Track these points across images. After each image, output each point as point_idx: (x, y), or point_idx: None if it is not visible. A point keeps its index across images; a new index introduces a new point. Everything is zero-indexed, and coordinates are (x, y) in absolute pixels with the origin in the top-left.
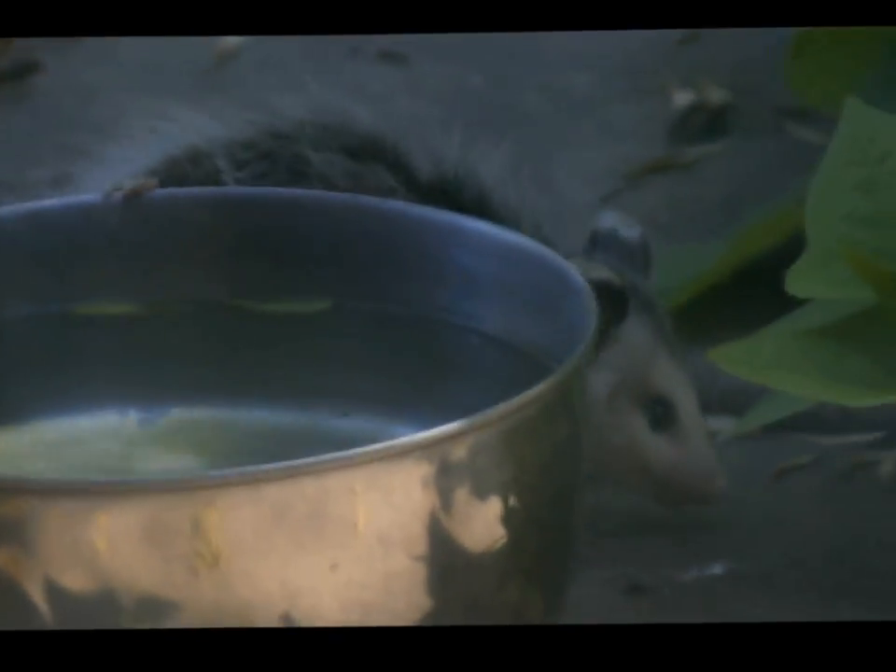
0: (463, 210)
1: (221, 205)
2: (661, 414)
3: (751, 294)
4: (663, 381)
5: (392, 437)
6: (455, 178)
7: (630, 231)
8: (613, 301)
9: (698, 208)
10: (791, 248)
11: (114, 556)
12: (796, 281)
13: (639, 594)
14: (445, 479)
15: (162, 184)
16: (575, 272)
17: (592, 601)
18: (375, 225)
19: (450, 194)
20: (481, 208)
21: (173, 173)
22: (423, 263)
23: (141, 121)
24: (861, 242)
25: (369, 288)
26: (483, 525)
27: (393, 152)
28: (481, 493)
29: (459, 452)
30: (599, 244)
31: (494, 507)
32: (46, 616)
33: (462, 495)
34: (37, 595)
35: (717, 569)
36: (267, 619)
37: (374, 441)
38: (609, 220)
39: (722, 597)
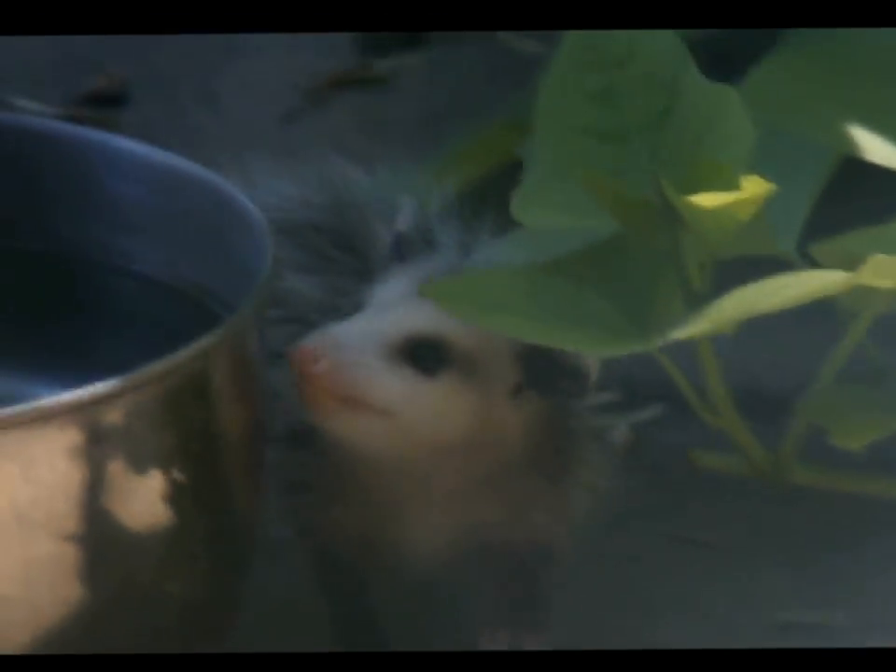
0: None
1: None
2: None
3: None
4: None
5: (32, 398)
6: None
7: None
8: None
9: (394, 129)
10: (512, 173)
11: None
12: (523, 207)
13: None
14: (96, 448)
15: None
16: (249, 202)
17: None
18: (9, 145)
19: None
20: None
21: None
22: (68, 191)
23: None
24: (598, 159)
25: (1, 222)
26: (141, 501)
27: None
28: (139, 464)
29: (113, 416)
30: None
31: (154, 480)
32: None
33: (117, 466)
34: None
35: None
36: None
37: (11, 403)
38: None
39: None
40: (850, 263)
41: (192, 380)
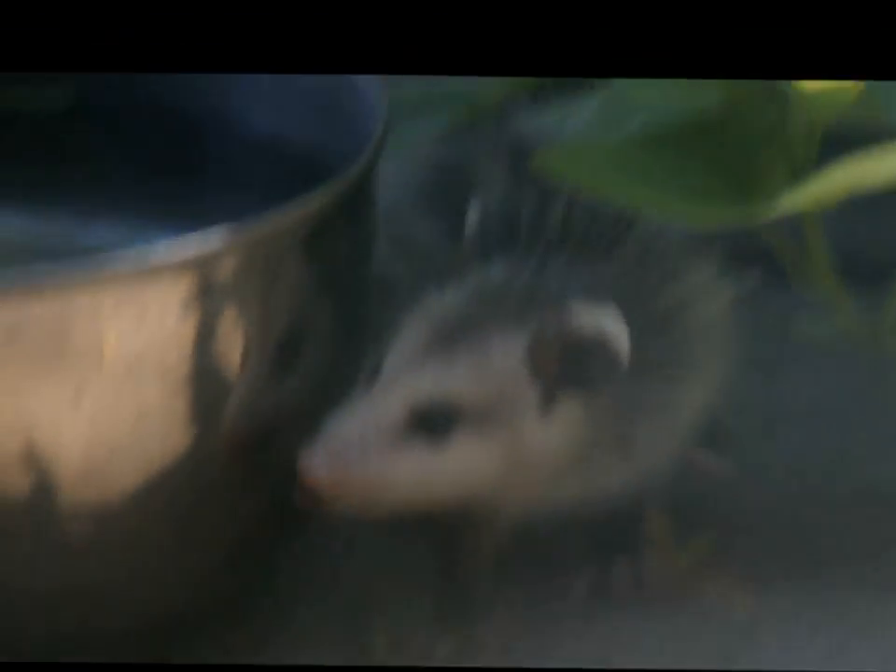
0: None
1: None
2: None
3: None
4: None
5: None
6: None
7: None
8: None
9: None
10: None
11: None
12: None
13: None
14: (207, 300)
15: None
16: None
17: None
18: None
19: None
20: None
21: None
22: None
23: None
24: None
25: (118, 79)
26: (248, 355)
27: None
28: (248, 318)
29: (224, 269)
30: None
31: (262, 335)
32: None
33: (226, 320)
34: None
35: None
36: (0, 457)
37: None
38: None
39: None
40: None
41: (303, 237)
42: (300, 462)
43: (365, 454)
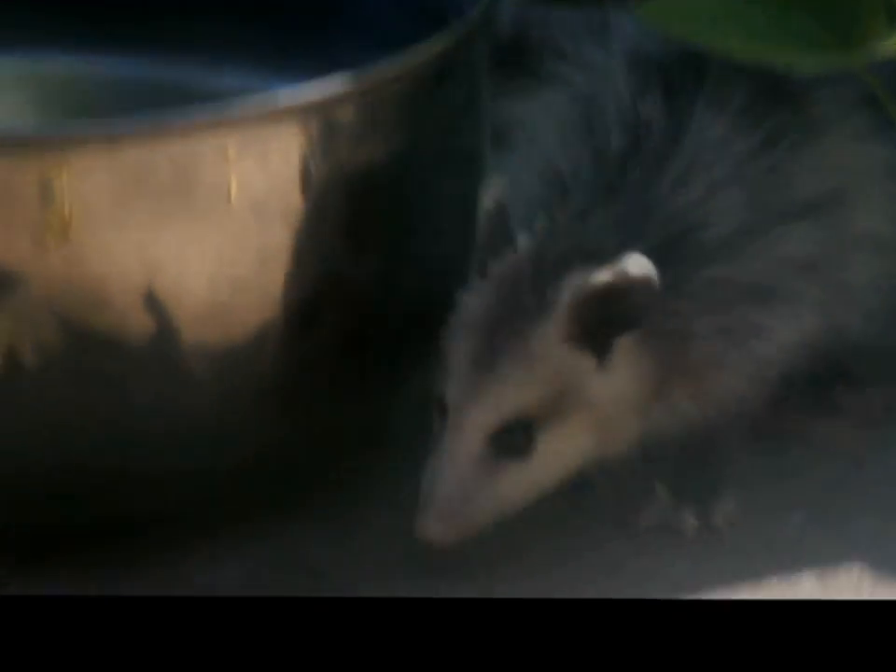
0: None
1: None
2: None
3: None
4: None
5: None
6: None
7: None
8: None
9: None
10: None
11: None
12: None
13: None
14: (329, 145)
15: None
16: None
17: None
18: None
19: None
20: None
21: None
22: None
23: None
24: None
25: None
26: (364, 200)
27: None
28: (369, 162)
29: (347, 113)
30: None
31: (381, 180)
32: None
33: (348, 163)
34: None
35: None
36: (124, 295)
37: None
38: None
39: None
40: None
41: (424, 82)
42: (417, 531)
43: (468, 500)
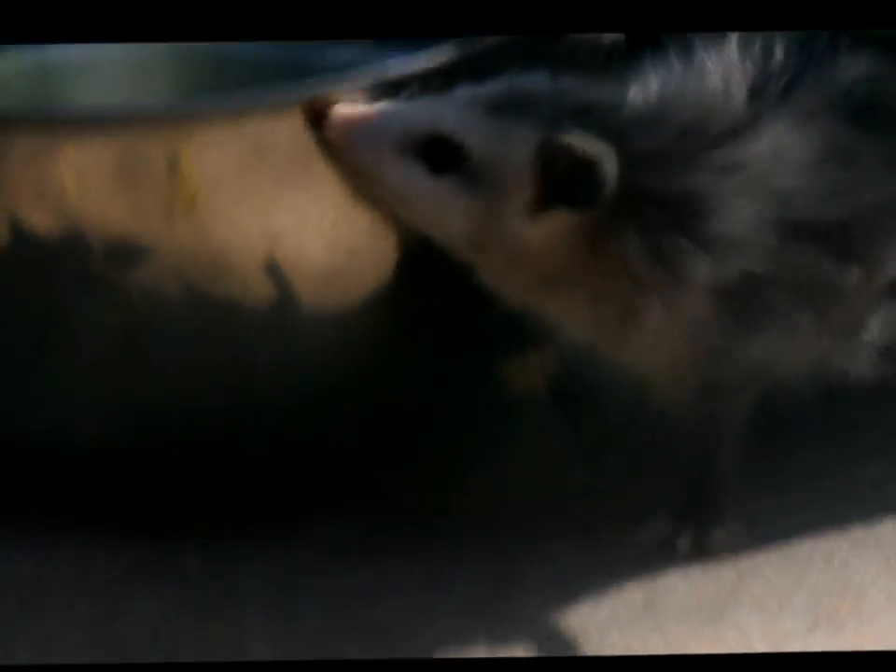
0: None
1: None
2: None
3: None
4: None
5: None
6: None
7: None
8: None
9: None
10: None
11: (83, 195)
12: None
13: None
14: None
15: None
16: None
17: None
18: None
19: None
20: None
21: None
22: None
23: None
24: None
25: None
26: None
27: None
28: None
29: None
30: None
31: None
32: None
33: None
34: (2, 236)
35: None
36: (247, 263)
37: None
38: None
39: None
40: None
41: None
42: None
43: (374, 144)
